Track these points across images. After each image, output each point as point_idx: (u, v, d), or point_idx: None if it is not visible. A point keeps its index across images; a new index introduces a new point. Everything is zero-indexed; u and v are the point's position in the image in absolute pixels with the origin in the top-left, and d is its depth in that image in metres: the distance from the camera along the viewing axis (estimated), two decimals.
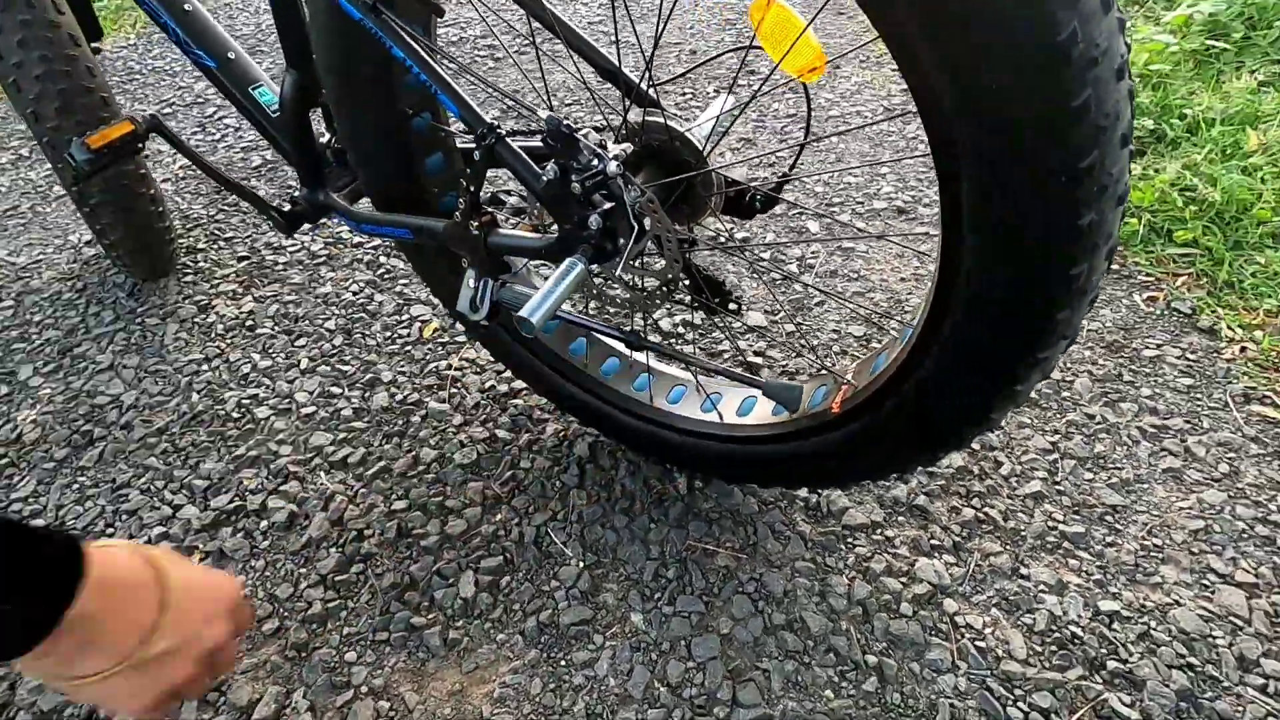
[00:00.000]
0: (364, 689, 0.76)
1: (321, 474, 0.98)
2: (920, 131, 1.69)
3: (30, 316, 1.30)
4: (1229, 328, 1.13)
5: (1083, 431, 0.99)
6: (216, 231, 1.50)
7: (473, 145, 0.68)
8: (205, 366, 1.17)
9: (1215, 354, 1.10)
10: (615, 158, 0.63)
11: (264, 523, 0.93)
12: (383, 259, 1.39)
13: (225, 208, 1.58)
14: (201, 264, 1.40)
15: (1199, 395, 1.04)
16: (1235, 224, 1.27)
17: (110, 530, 0.93)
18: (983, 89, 0.45)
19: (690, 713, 0.73)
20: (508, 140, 0.66)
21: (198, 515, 0.94)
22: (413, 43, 0.64)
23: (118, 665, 0.40)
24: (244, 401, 1.10)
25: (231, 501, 0.95)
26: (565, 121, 0.62)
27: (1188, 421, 1.00)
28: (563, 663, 0.77)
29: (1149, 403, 1.03)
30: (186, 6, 0.88)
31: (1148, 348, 1.12)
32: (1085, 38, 0.43)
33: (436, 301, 1.28)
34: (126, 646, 0.40)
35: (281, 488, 0.97)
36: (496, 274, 0.75)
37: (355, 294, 1.31)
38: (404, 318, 1.25)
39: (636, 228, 0.64)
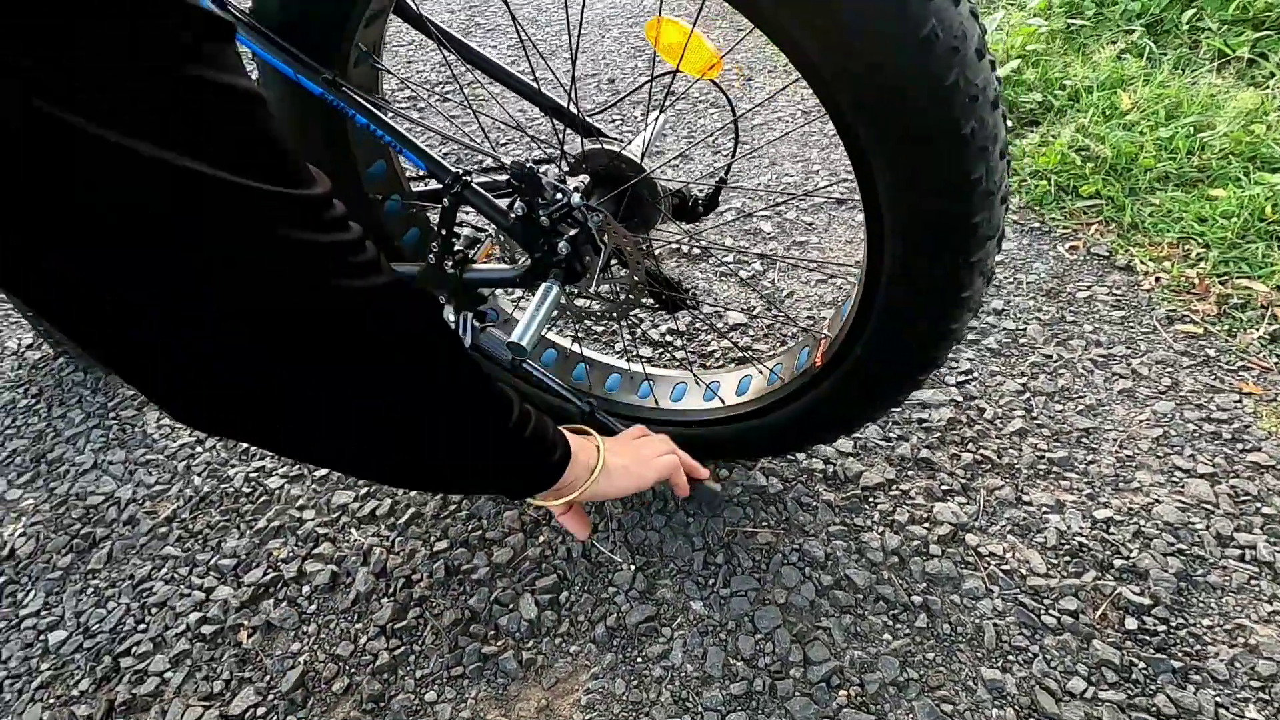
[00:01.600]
0: None
1: (353, 531, 0.98)
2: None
3: None
4: (1142, 262, 1.28)
5: (1045, 370, 1.11)
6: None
7: (434, 191, 0.74)
8: (200, 448, 1.14)
9: (1136, 286, 1.25)
10: (576, 189, 0.71)
11: (306, 588, 0.92)
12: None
13: None
14: None
15: (1131, 324, 1.18)
16: (1127, 174, 1.44)
17: (142, 626, 0.90)
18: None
19: (769, 679, 0.78)
20: (474, 185, 0.71)
21: (233, 594, 0.92)
22: (372, 108, 0.69)
23: (570, 498, 0.70)
24: (251, 475, 1.08)
25: (265, 574, 0.94)
26: (528, 163, 0.68)
27: (1127, 347, 1.14)
28: (639, 660, 0.81)
29: (1093, 336, 1.16)
30: None
31: (1080, 290, 1.26)
32: None
33: None
34: (577, 487, 0.70)
35: (315, 551, 0.96)
36: (473, 306, 0.80)
37: None
38: None
39: (603, 248, 0.71)
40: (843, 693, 0.76)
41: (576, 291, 0.77)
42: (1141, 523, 0.89)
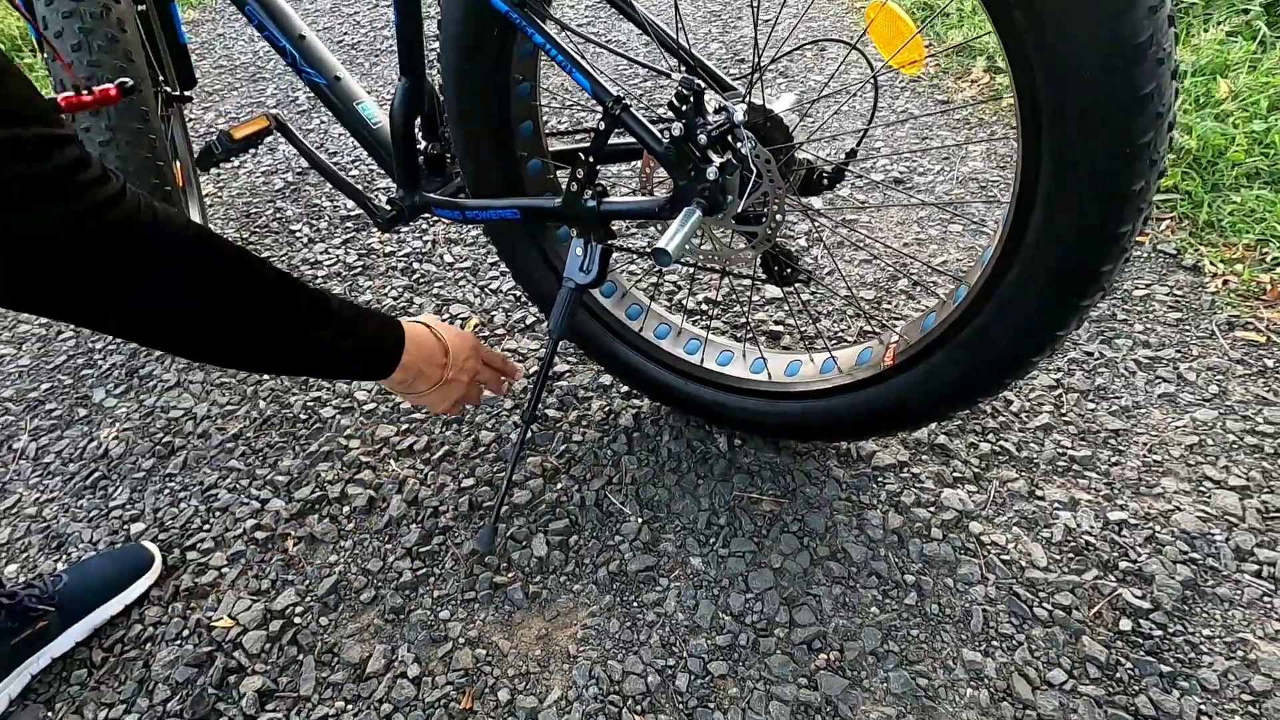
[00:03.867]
0: (460, 640, 0.85)
1: (391, 461, 1.08)
2: (943, 119, 1.78)
3: (92, 344, 1.39)
4: (1211, 264, 1.21)
5: (1083, 368, 1.08)
6: (253, 252, 1.58)
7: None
8: (266, 377, 1.26)
9: (1200, 289, 1.19)
10: (740, 109, 0.72)
11: (346, 508, 1.02)
12: (416, 265, 1.48)
13: (257, 229, 1.67)
14: None
15: (1188, 327, 1.13)
16: (1211, 168, 1.35)
17: (207, 526, 1.02)
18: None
19: (754, 635, 0.82)
20: (631, 109, 0.75)
21: (284, 506, 1.03)
22: (550, 30, 0.73)
23: (433, 386, 0.80)
24: (309, 404, 1.19)
25: (313, 492, 1.04)
26: (696, 80, 0.70)
27: (1178, 351, 1.09)
28: (634, 604, 0.86)
29: (1142, 337, 1.12)
30: (301, 33, 0.98)
31: (1138, 288, 1.21)
32: None
33: (472, 299, 1.37)
34: (435, 376, 0.79)
35: (357, 476, 1.06)
36: (603, 240, 0.84)
37: (395, 299, 1.40)
38: (444, 316, 1.34)
39: (754, 174, 0.72)
40: (822, 655, 0.80)
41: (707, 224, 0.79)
42: (1157, 529, 0.87)
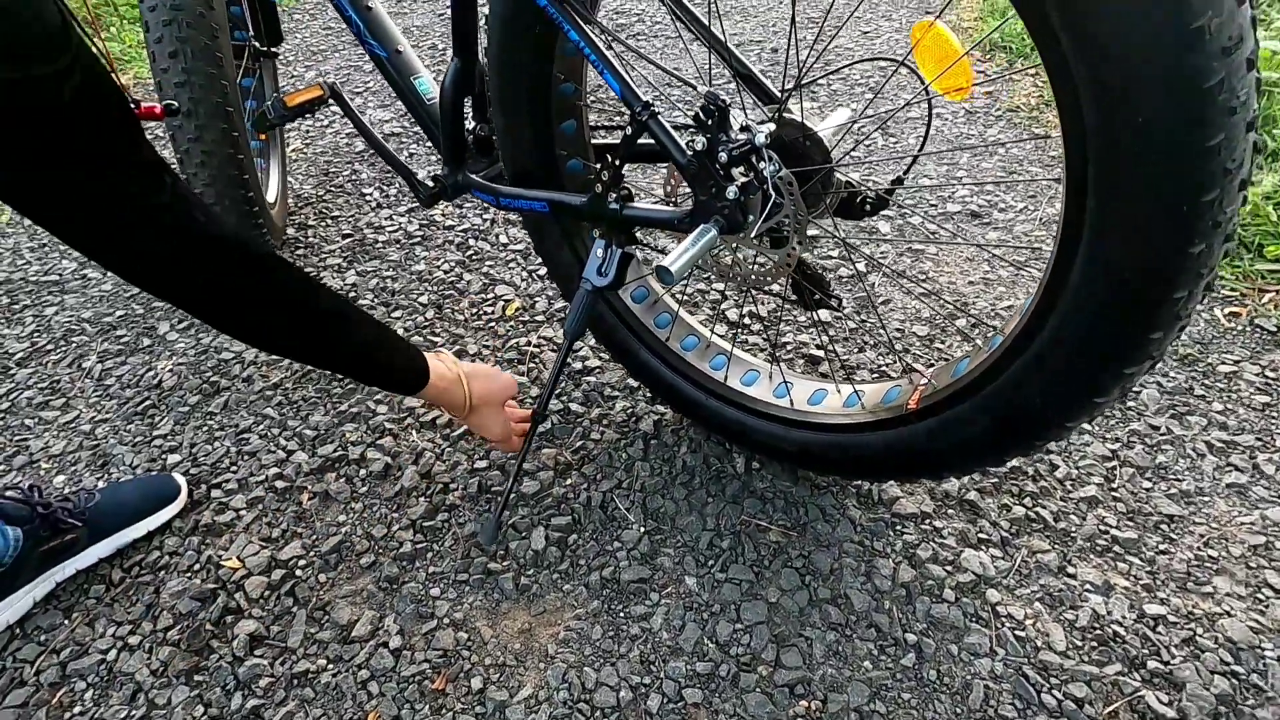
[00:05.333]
0: (445, 620, 0.85)
1: (413, 432, 1.09)
2: (1016, 149, 1.69)
3: None
4: None
5: (1145, 442, 1.00)
6: (324, 210, 1.64)
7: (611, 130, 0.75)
8: None
9: None
10: (764, 132, 0.69)
11: (363, 471, 1.04)
12: (471, 241, 1.50)
13: (332, 189, 1.73)
14: (311, 239, 1.55)
15: (1275, 414, 1.02)
16: None
17: (234, 467, 1.06)
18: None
19: (736, 668, 0.79)
20: (659, 117, 0.73)
21: (307, 460, 1.06)
22: (587, 29, 0.72)
23: (462, 416, 0.92)
24: None
25: (336, 451, 1.07)
26: (721, 96, 0.68)
27: (1259, 439, 0.99)
28: (621, 614, 0.85)
29: (1219, 418, 1.02)
30: (369, 4, 1.01)
31: (1224, 363, 1.10)
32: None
33: (519, 283, 1.38)
34: (458, 411, 0.91)
35: (378, 442, 1.08)
36: (624, 245, 0.83)
37: (446, 272, 1.42)
38: (489, 296, 1.35)
39: (773, 198, 0.70)
40: (803, 703, 0.76)
41: (726, 244, 0.77)
42: (1199, 631, 0.79)
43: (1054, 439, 0.68)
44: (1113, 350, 0.58)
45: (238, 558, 0.93)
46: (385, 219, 1.60)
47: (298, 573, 0.92)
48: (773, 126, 0.71)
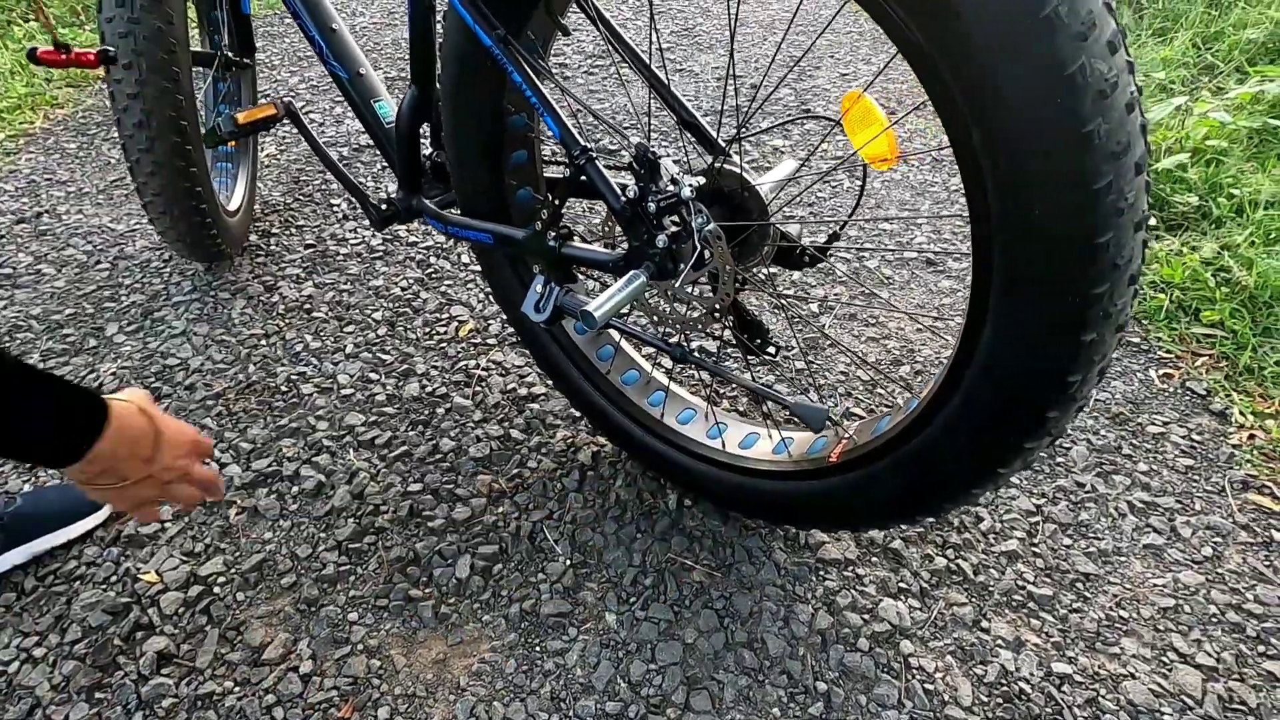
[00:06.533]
0: (360, 646, 0.85)
1: (350, 451, 1.09)
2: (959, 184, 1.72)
3: (121, 280, 1.46)
4: (1241, 413, 1.13)
5: (1070, 498, 1.02)
6: (290, 219, 1.64)
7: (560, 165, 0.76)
8: (264, 342, 1.30)
9: (1222, 438, 1.10)
10: (690, 185, 0.71)
11: (295, 488, 1.03)
12: (433, 259, 1.50)
13: (301, 197, 1.73)
14: (273, 247, 1.54)
15: (1196, 477, 1.04)
16: (1266, 310, 1.26)
17: None
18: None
19: (645, 710, 0.79)
20: (596, 162, 0.74)
21: (240, 474, 1.05)
22: (530, 71, 0.74)
23: (128, 483, 0.63)
24: (293, 377, 1.22)
25: (270, 465, 1.06)
26: (651, 148, 0.70)
27: (1179, 501, 1.01)
28: (537, 649, 0.85)
29: (1143, 478, 1.04)
30: (333, 25, 1.02)
31: (1153, 424, 1.13)
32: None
33: (475, 304, 1.38)
34: (136, 472, 0.63)
35: (314, 459, 1.07)
36: (562, 282, 0.84)
37: (403, 289, 1.42)
38: (444, 316, 1.35)
39: (698, 250, 0.71)
40: None
41: (659, 290, 0.78)
42: (1102, 692, 0.81)
43: (961, 504, 0.70)
44: (1012, 426, 0.60)
45: (156, 571, 0.92)
46: (350, 231, 1.60)
47: (216, 590, 0.91)
48: (701, 180, 0.72)
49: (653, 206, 0.71)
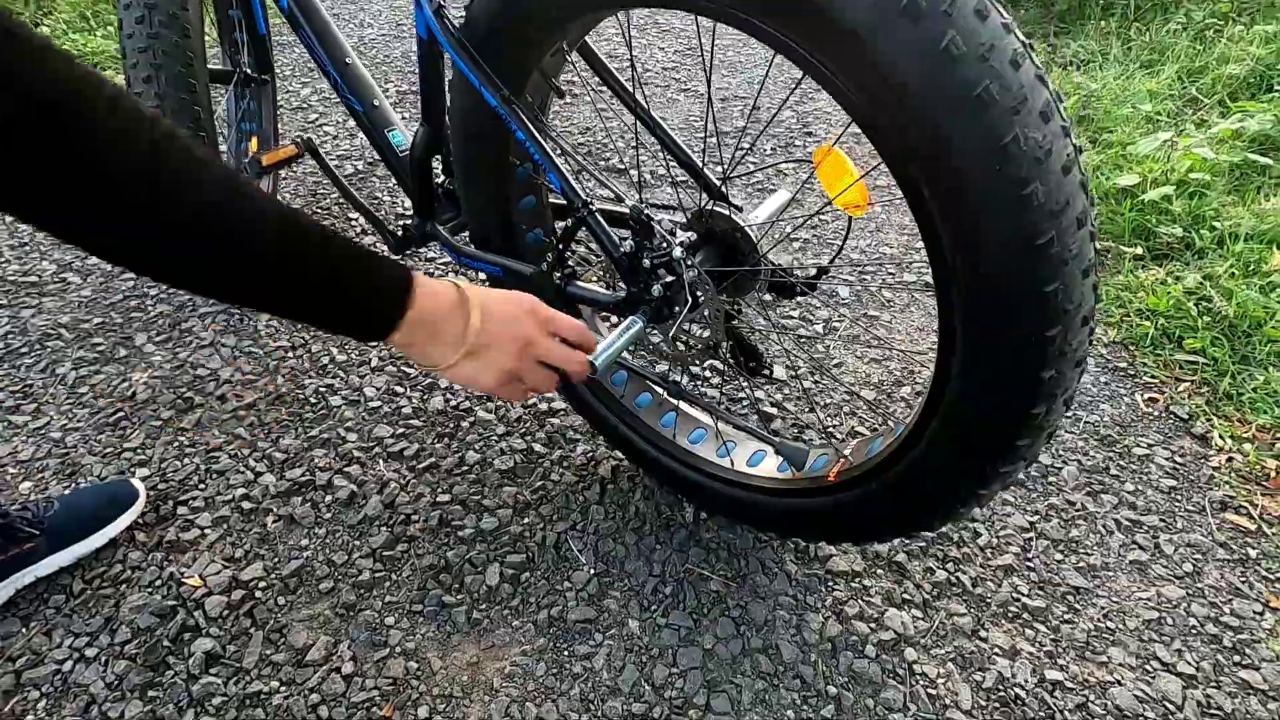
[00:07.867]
0: (398, 649, 0.90)
1: (380, 462, 1.14)
2: None
3: (149, 290, 1.50)
4: (1220, 437, 1.20)
5: (1061, 515, 1.08)
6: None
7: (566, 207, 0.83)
8: (291, 354, 1.34)
9: (1203, 460, 1.17)
10: (681, 244, 0.78)
11: (329, 497, 1.08)
12: (451, 276, 1.55)
13: (318, 210, 1.77)
14: None
15: (1179, 497, 1.12)
16: (1245, 339, 1.34)
17: (202, 485, 1.09)
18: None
19: (669, 711, 0.84)
20: (597, 214, 0.81)
21: (274, 483, 1.10)
22: (532, 129, 0.80)
23: (457, 355, 0.60)
24: (321, 390, 1.26)
25: (304, 475, 1.11)
26: (645, 210, 0.76)
27: (1163, 520, 1.08)
28: (565, 653, 0.90)
29: (1130, 497, 1.11)
30: (347, 60, 1.08)
31: (1139, 446, 1.20)
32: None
33: None
34: (455, 343, 0.60)
35: (346, 469, 1.12)
36: None
37: None
38: None
39: (690, 301, 0.78)
40: None
41: (657, 331, 0.84)
42: (1091, 698, 0.87)
43: (950, 521, 0.76)
44: (988, 452, 0.66)
45: (199, 576, 0.97)
46: (368, 245, 1.65)
47: (258, 594, 0.95)
48: (692, 235, 0.79)
49: (647, 262, 0.78)
